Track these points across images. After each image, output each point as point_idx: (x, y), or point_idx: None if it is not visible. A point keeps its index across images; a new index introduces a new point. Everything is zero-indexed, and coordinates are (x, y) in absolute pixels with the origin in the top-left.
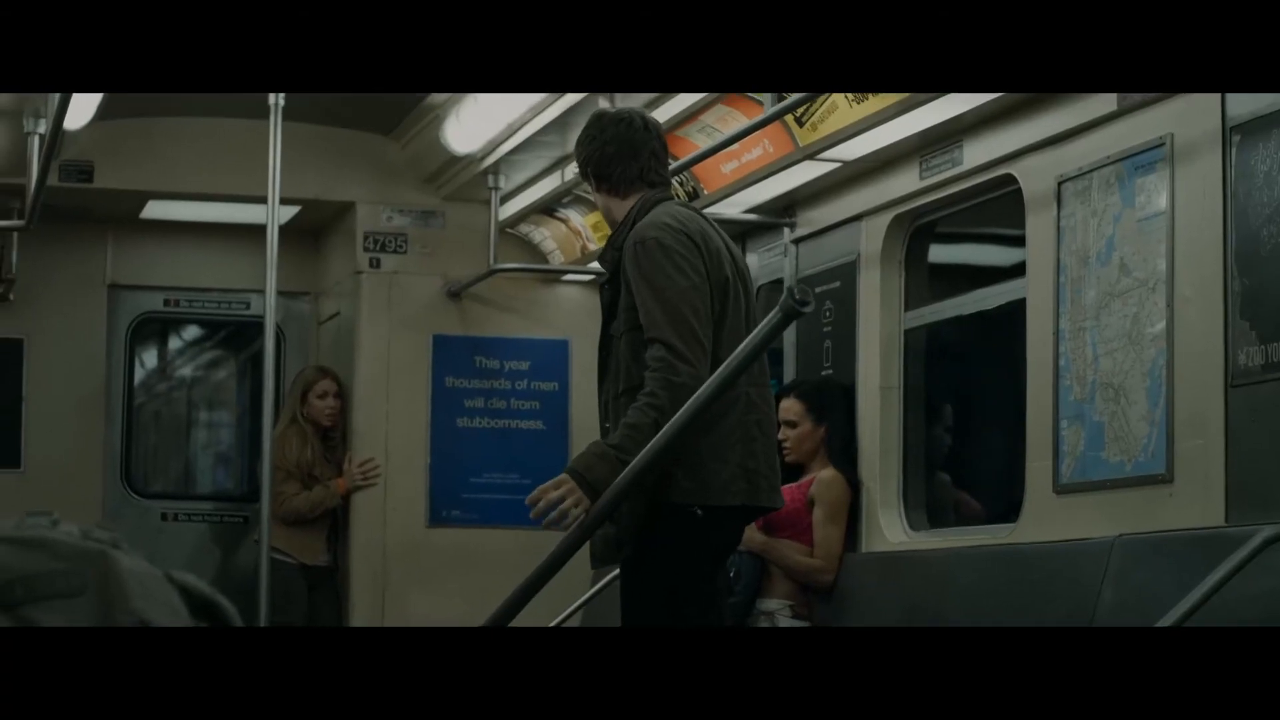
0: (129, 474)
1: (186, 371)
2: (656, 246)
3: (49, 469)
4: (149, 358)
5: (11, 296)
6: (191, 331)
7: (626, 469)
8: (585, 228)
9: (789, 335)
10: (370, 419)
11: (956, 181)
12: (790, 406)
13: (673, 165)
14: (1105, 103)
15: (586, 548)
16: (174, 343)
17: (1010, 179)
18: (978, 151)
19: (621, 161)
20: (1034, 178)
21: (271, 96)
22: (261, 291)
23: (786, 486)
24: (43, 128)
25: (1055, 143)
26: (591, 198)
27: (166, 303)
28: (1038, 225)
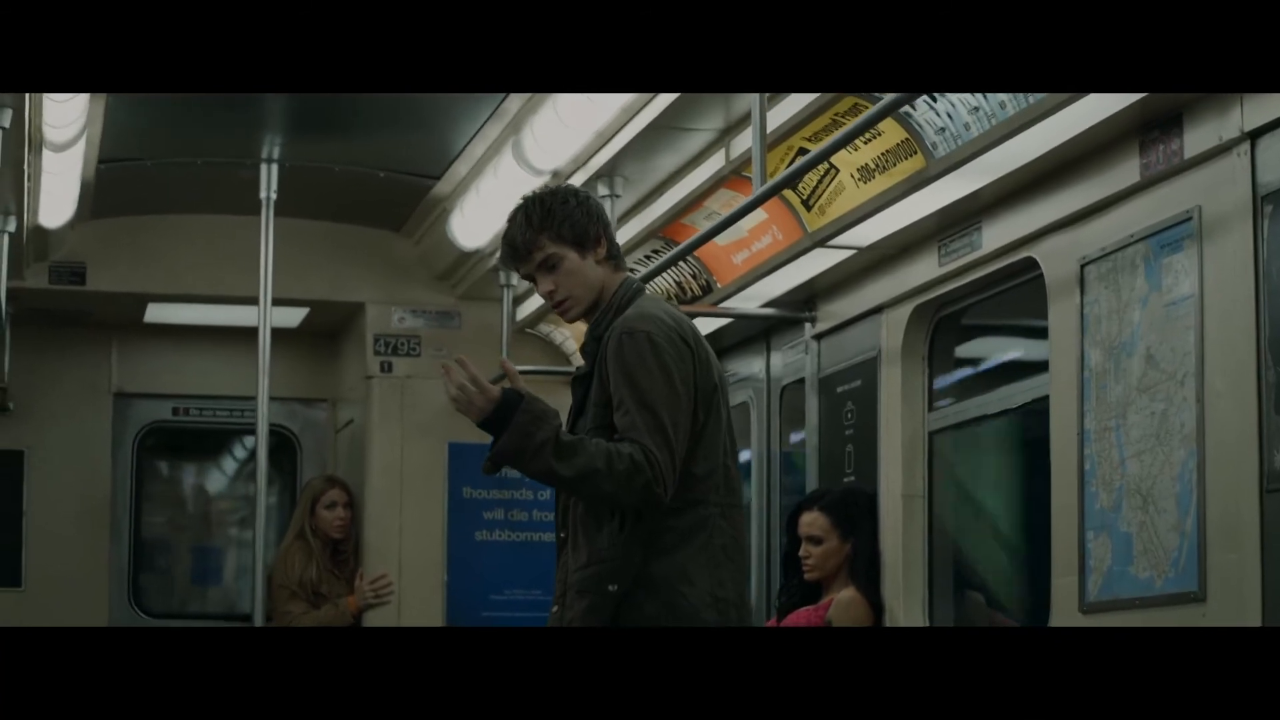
0: (137, 592)
1: (198, 484)
2: (647, 342)
3: (52, 587)
4: (157, 469)
5: (11, 406)
6: (202, 441)
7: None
8: None
9: (810, 438)
10: (383, 532)
11: (977, 267)
12: (814, 521)
13: (673, 250)
14: (1128, 173)
15: None
16: (184, 453)
17: (1032, 263)
18: (997, 233)
19: (599, 224)
20: (1055, 260)
21: (263, 190)
22: (278, 399)
23: (802, 610)
24: (11, 225)
25: (1077, 221)
26: (541, 284)
27: (175, 411)
28: (1060, 313)
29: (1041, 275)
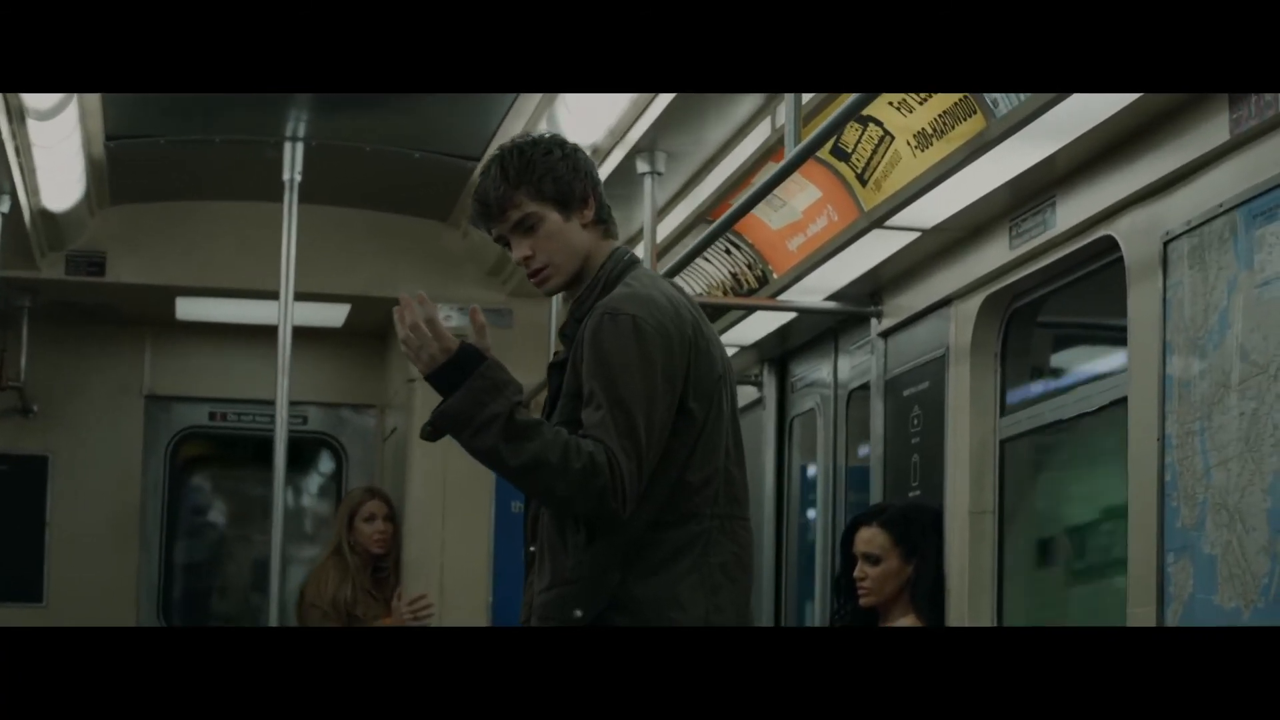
0: (168, 609)
1: (235, 494)
2: (631, 327)
3: (75, 603)
4: (192, 478)
5: (34, 408)
6: (241, 448)
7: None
8: None
9: (875, 449)
10: (423, 548)
11: (1052, 249)
12: (872, 538)
13: (710, 228)
14: (1216, 131)
15: None
16: (221, 461)
17: (1111, 243)
18: (1072, 210)
19: (586, 180)
20: (1136, 239)
21: (286, 171)
22: (323, 405)
23: None
24: (4, 205)
25: (1159, 191)
26: (516, 248)
27: (212, 416)
28: (1141, 300)
29: (1121, 257)
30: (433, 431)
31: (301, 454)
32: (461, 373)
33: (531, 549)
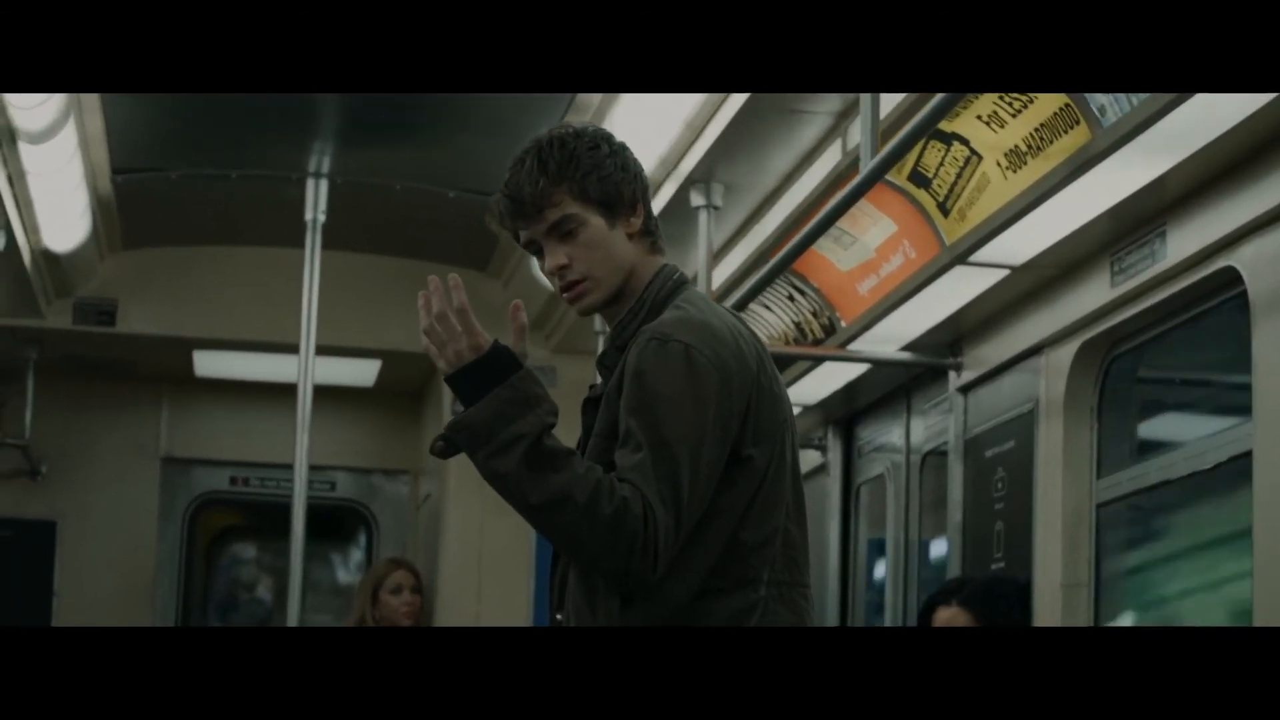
0: None
1: (259, 564)
2: (683, 357)
3: None
4: (211, 547)
5: (42, 469)
6: (264, 516)
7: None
8: None
9: (952, 516)
10: (457, 623)
11: (1161, 286)
12: (952, 618)
13: (769, 265)
14: None
15: None
16: (243, 529)
17: (1233, 275)
18: (1186, 239)
19: (636, 185)
20: (1262, 268)
21: (309, 210)
22: (352, 470)
23: None
24: (0, 242)
25: None
26: (550, 256)
27: (233, 481)
28: (1269, 339)
29: (1245, 291)
30: (444, 447)
31: (333, 522)
32: (491, 378)
33: (558, 617)
